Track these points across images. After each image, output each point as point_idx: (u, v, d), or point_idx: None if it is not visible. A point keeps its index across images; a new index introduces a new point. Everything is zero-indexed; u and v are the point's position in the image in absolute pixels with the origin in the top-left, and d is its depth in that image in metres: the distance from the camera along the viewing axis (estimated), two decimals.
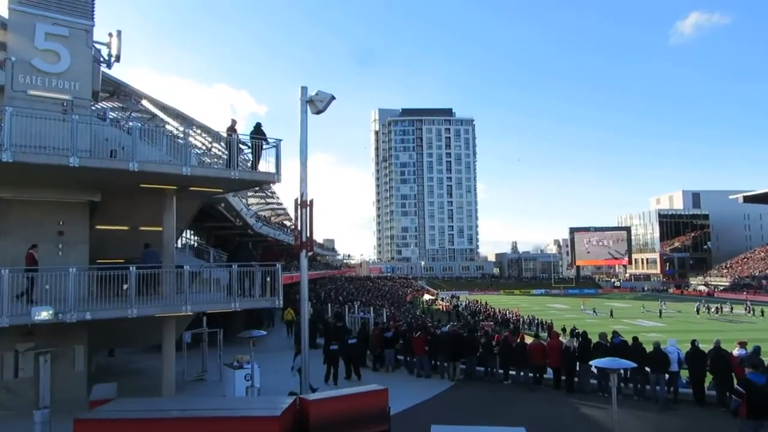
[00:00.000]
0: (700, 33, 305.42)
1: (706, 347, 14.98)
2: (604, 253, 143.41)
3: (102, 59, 17.48)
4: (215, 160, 28.09)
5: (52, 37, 15.52)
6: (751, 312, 70.06)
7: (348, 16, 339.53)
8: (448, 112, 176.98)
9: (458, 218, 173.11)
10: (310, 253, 14.18)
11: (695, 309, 71.95)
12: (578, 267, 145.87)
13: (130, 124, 16.60)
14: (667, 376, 14.76)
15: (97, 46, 16.99)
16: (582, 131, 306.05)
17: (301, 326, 14.01)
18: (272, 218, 63.60)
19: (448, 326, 22.98)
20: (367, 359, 20.66)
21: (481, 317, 59.25)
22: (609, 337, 16.31)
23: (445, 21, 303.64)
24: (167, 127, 26.96)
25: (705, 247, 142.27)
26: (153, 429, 7.43)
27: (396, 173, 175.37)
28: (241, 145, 16.30)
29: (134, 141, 14.09)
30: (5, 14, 15.54)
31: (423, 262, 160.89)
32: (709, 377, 14.76)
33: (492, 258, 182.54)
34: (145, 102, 27.39)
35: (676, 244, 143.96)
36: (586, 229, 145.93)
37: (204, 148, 32.82)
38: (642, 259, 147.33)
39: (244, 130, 16.36)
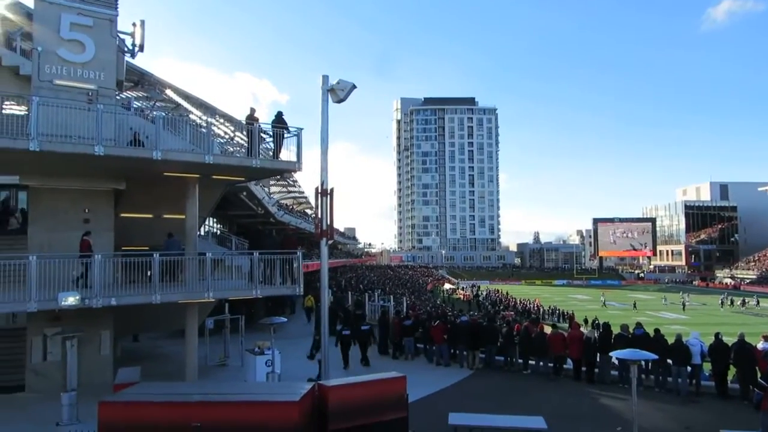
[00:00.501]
0: (732, 20, 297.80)
1: (730, 340, 14.78)
2: (628, 244, 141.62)
3: (126, 49, 17.72)
4: (238, 148, 28.32)
5: (77, 27, 15.73)
6: None
7: (370, 5, 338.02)
8: (471, 101, 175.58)
9: (480, 208, 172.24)
10: (330, 241, 14.24)
11: (719, 302, 70.73)
12: (601, 258, 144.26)
13: (154, 113, 16.81)
14: (689, 368, 14.62)
15: (121, 35, 17.19)
16: (607, 121, 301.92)
17: (321, 314, 14.13)
18: (294, 206, 63.99)
19: (468, 315, 22.98)
20: (388, 347, 20.82)
21: (501, 307, 59.03)
22: (631, 329, 16.17)
23: (468, 9, 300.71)
24: (190, 116, 27.25)
25: (732, 239, 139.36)
26: (175, 412, 7.60)
27: (418, 162, 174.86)
28: (262, 134, 16.42)
29: (158, 130, 14.31)
30: (31, 5, 15.81)
31: (444, 252, 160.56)
32: (732, 370, 14.59)
33: (513, 248, 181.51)
34: (168, 91, 27.64)
35: (703, 236, 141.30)
36: (610, 220, 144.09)
37: (227, 137, 33.09)
38: (667, 251, 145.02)
39: (265, 118, 16.47)
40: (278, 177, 44.11)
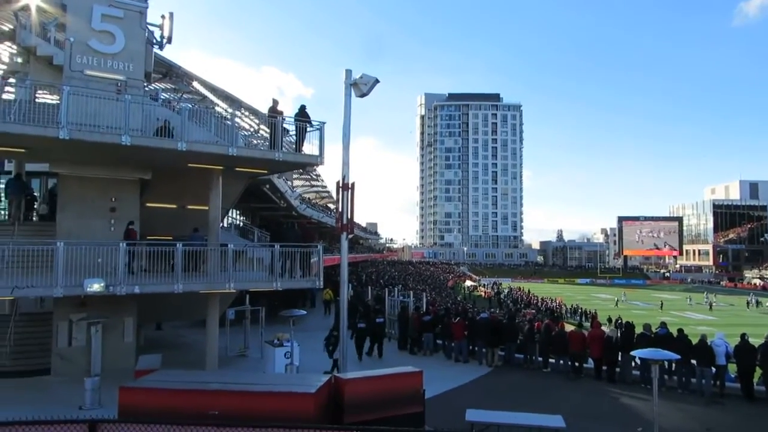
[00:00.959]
0: (765, 14, 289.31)
1: (757, 342, 14.48)
2: (654, 243, 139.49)
3: (154, 41, 17.94)
4: (262, 141, 28.52)
5: (108, 18, 15.97)
6: None
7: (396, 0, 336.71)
8: (496, 97, 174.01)
9: (503, 205, 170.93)
10: (350, 236, 14.30)
11: (746, 303, 69.39)
12: (626, 257, 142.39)
13: (181, 105, 17.02)
14: (713, 369, 14.37)
15: (150, 27, 17.42)
16: (633, 120, 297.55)
17: (341, 308, 14.20)
18: (316, 201, 64.28)
19: (488, 312, 22.87)
20: (407, 343, 20.85)
21: (522, 305, 58.62)
22: (654, 328, 15.92)
23: (493, 5, 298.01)
24: (216, 108, 27.51)
25: (762, 239, 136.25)
26: (194, 399, 7.72)
27: (441, 158, 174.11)
28: (285, 127, 16.52)
29: (183, 121, 14.51)
30: None
31: (465, 248, 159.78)
32: (758, 372, 14.30)
33: (536, 246, 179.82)
34: (195, 84, 27.96)
35: (731, 236, 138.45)
36: (636, 219, 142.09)
37: (252, 129, 33.36)
38: (694, 251, 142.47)
39: (289, 112, 16.55)
40: (301, 171, 44.37)
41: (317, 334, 17.65)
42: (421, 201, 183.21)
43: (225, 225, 30.11)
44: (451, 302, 47.00)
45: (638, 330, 16.24)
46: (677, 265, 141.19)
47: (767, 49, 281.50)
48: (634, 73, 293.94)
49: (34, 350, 16.14)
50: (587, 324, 32.73)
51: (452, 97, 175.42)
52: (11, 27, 18.57)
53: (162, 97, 25.31)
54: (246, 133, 31.60)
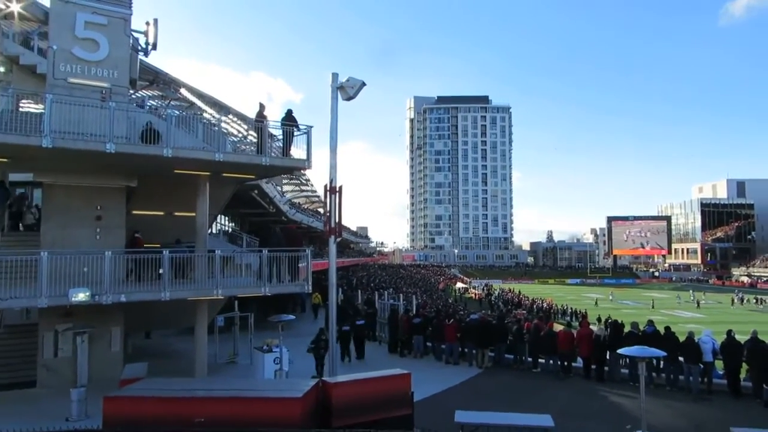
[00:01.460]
0: (751, 15, 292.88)
1: (743, 338, 14.62)
2: (643, 242, 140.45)
3: (139, 47, 17.86)
4: (250, 147, 28.43)
5: (92, 25, 15.88)
6: None
7: (384, 3, 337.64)
8: (484, 99, 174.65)
9: (493, 207, 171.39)
10: (338, 239, 14.29)
11: (731, 300, 70.04)
12: (615, 256, 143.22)
13: (167, 111, 16.95)
14: (701, 366, 14.48)
15: (135, 34, 17.34)
16: (621, 120, 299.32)
17: (329, 312, 14.18)
18: (306, 205, 64.15)
19: (478, 314, 22.92)
20: (397, 345, 20.87)
21: (512, 306, 58.77)
22: (642, 327, 16.04)
23: (481, 7, 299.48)
24: (204, 115, 27.40)
25: (749, 237, 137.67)
26: (179, 407, 7.66)
27: (431, 161, 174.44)
28: (273, 131, 16.50)
29: (168, 128, 14.43)
30: (47, 3, 16.00)
31: (456, 251, 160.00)
32: (745, 368, 14.44)
33: (526, 247, 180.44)
34: (183, 90, 27.82)
35: (719, 234, 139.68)
36: (625, 218, 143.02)
37: (240, 135, 33.25)
38: (682, 249, 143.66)
39: (277, 116, 16.56)
40: (291, 176, 44.27)
41: (307, 339, 17.59)
42: (412, 204, 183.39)
43: (214, 231, 29.98)
44: (442, 304, 47.02)
45: (627, 329, 16.36)
46: (666, 264, 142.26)
47: (753, 48, 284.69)
48: (622, 74, 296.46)
49: (21, 362, 15.96)
50: (576, 324, 32.85)
51: (441, 99, 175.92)
52: None
53: (149, 104, 25.23)
54: (235, 138, 31.46)
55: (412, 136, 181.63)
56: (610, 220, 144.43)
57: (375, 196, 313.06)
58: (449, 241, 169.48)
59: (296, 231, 27.47)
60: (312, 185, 54.84)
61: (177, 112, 17.03)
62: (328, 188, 13.98)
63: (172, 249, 14.67)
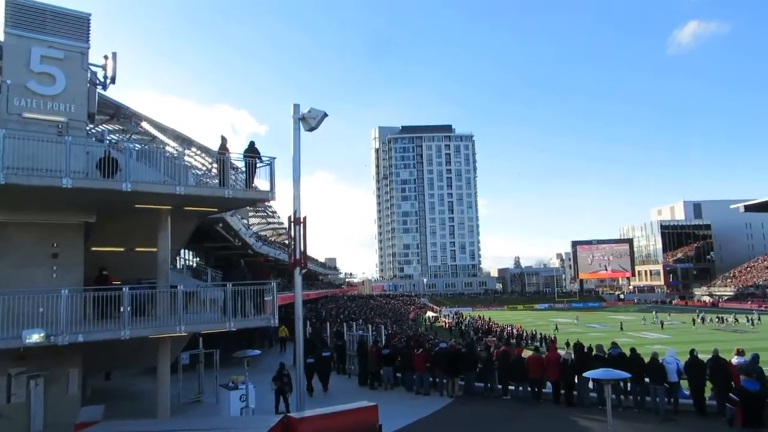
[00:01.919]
0: (699, 42, 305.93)
1: (707, 357, 14.86)
2: (607, 265, 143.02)
3: (98, 81, 17.63)
4: (214, 180, 28.17)
5: (48, 59, 15.61)
6: (752, 322, 69.67)
7: (347, 34, 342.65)
8: (448, 128, 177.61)
9: (460, 234, 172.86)
10: (304, 270, 14.17)
11: (692, 320, 71.58)
12: (581, 280, 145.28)
13: (127, 144, 16.67)
14: (666, 386, 14.64)
15: (93, 68, 17.12)
16: (582, 144, 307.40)
17: (296, 346, 13.94)
18: (273, 237, 63.62)
19: (448, 343, 22.83)
20: (367, 378, 20.59)
21: (482, 333, 58.83)
22: (607, 349, 16.18)
23: (443, 36, 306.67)
24: (167, 148, 27.09)
25: (708, 257, 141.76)
26: None
27: (397, 190, 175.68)
28: (236, 163, 16.38)
29: (127, 161, 14.15)
30: (1, 37, 15.71)
31: (425, 279, 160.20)
32: (709, 387, 14.63)
33: (495, 273, 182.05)
34: (144, 124, 27.54)
35: (679, 255, 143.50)
36: (588, 243, 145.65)
37: (204, 168, 32.96)
38: (645, 271, 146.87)
39: (241, 149, 16.46)
40: (257, 208, 43.94)
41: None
42: (379, 234, 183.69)
43: (178, 267, 29.39)
44: (412, 333, 46.75)
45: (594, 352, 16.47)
46: (631, 286, 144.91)
47: (703, 74, 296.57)
48: (580, 98, 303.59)
49: None
50: (544, 349, 33.00)
51: (405, 129, 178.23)
52: None
53: (109, 138, 24.81)
54: (199, 172, 31.18)
55: (377, 166, 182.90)
56: (575, 244, 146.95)
57: (343, 227, 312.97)
58: (418, 270, 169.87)
59: (263, 264, 27.12)
60: (279, 217, 54.59)
61: (138, 146, 16.75)
62: (292, 219, 13.90)
63: (132, 286, 14.26)
